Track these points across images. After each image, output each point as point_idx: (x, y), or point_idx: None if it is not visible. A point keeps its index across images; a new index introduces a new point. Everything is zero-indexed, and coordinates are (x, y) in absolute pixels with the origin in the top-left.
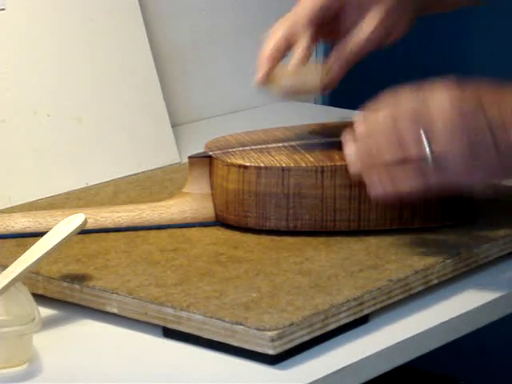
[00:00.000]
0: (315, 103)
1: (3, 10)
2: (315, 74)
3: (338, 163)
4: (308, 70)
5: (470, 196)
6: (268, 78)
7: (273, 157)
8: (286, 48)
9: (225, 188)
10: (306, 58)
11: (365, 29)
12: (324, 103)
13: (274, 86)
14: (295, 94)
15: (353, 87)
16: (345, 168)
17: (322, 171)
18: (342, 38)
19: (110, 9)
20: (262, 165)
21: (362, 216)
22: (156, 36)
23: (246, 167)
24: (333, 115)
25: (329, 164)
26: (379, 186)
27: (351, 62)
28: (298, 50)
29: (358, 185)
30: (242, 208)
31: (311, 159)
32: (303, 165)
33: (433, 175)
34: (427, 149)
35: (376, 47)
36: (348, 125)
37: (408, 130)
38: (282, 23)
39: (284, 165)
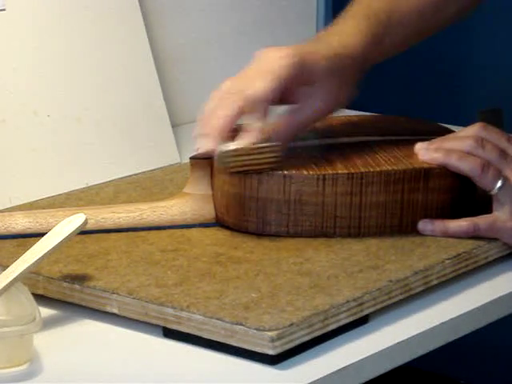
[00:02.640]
0: None
1: (3, 10)
2: (271, 150)
3: (340, 171)
4: (263, 147)
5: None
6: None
7: None
8: (235, 123)
9: (226, 191)
10: (259, 138)
11: (315, 104)
12: None
13: (229, 162)
14: (251, 170)
15: None
16: (346, 176)
17: (324, 179)
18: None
19: (110, 9)
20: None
21: (362, 223)
22: (156, 36)
23: (247, 172)
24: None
25: (330, 172)
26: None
27: (300, 131)
28: (256, 132)
29: (358, 192)
30: (242, 212)
31: (312, 165)
32: (305, 172)
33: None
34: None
35: (322, 118)
36: (344, 122)
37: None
38: (231, 96)
39: (286, 171)
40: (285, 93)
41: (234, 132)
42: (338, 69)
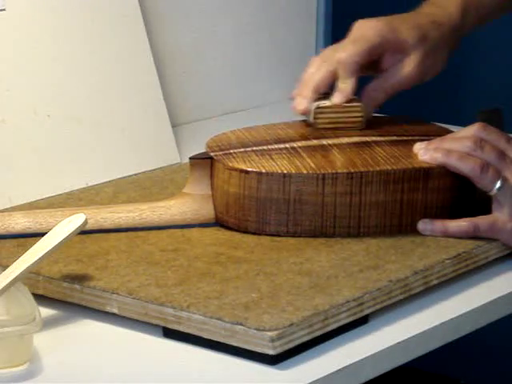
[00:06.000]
0: None
1: (3, 10)
2: (356, 110)
3: (339, 170)
4: (349, 106)
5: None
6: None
7: (274, 161)
8: (328, 85)
9: (225, 191)
10: (349, 98)
11: (405, 69)
12: None
13: (318, 118)
14: (337, 128)
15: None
16: (345, 175)
17: (323, 178)
18: (380, 74)
19: (110, 9)
20: (264, 170)
21: (361, 223)
22: (156, 36)
23: (247, 172)
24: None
25: (330, 171)
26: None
27: (389, 95)
28: (344, 92)
29: (358, 192)
30: (242, 212)
31: (312, 165)
32: (304, 171)
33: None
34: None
35: (413, 85)
36: None
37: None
38: (325, 61)
39: (285, 171)
40: (377, 61)
41: (328, 94)
42: (431, 37)
